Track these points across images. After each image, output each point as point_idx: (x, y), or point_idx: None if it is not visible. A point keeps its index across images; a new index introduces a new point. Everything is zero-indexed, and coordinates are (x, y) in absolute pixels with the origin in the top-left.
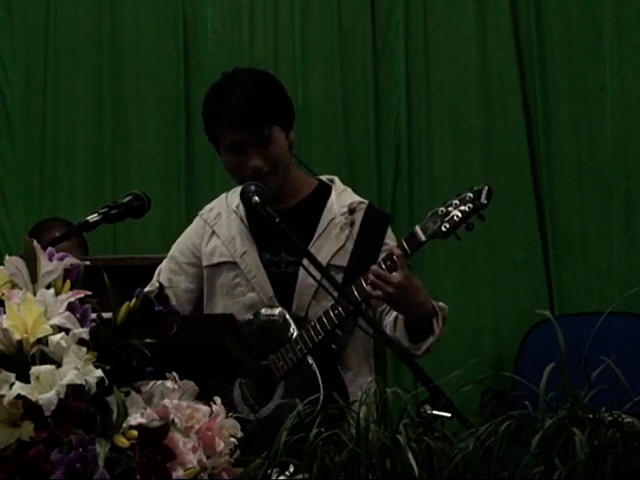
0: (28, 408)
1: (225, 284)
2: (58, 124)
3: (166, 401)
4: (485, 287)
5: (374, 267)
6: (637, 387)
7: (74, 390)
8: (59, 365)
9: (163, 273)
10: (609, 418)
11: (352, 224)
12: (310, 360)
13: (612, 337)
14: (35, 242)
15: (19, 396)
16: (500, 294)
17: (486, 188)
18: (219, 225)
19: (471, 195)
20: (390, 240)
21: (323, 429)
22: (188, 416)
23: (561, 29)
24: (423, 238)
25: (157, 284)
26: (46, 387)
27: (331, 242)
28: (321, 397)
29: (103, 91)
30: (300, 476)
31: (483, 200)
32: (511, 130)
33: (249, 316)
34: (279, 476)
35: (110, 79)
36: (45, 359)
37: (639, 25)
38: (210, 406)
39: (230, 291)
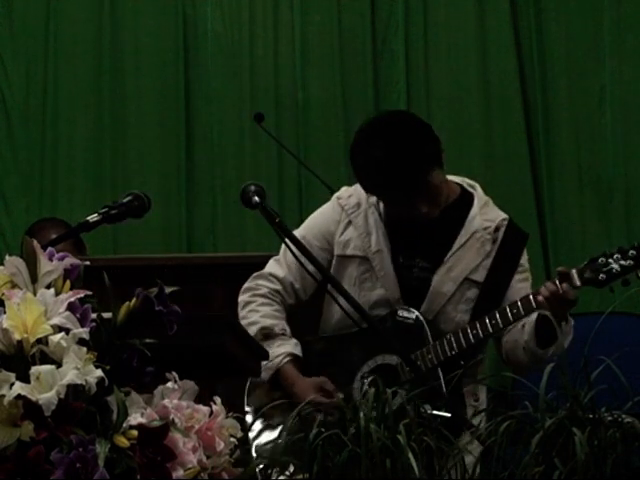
0: (28, 408)
1: (354, 276)
2: (58, 124)
3: (166, 401)
4: None
5: (552, 286)
6: (637, 387)
7: (74, 390)
8: (59, 365)
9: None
10: (609, 418)
11: (494, 242)
12: (439, 371)
13: (612, 337)
14: (35, 242)
15: (19, 396)
16: None
17: None
18: (357, 216)
19: (634, 252)
20: (524, 260)
21: (323, 429)
22: (188, 416)
23: (561, 29)
24: (578, 283)
25: (283, 260)
26: (46, 387)
27: (471, 256)
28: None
29: (103, 91)
30: (300, 476)
31: None
32: (511, 130)
33: (380, 312)
34: (279, 476)
35: (110, 79)
36: (45, 359)
37: (639, 25)
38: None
39: (358, 283)
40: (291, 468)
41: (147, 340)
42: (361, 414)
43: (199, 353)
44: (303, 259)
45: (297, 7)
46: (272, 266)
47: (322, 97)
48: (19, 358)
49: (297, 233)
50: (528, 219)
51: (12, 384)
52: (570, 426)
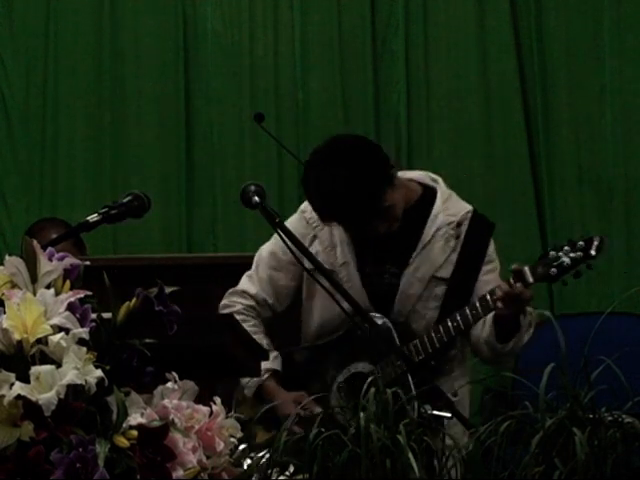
0: (28, 408)
1: (325, 288)
2: (58, 124)
3: (166, 401)
4: None
5: (506, 287)
6: (637, 387)
7: (74, 390)
8: (59, 365)
9: (263, 267)
10: (609, 418)
11: (458, 236)
12: (409, 377)
13: (612, 337)
14: (35, 242)
15: (19, 396)
16: None
17: (598, 239)
18: (321, 229)
19: (582, 244)
20: (491, 251)
21: (323, 429)
22: (188, 416)
23: (561, 29)
24: (531, 280)
25: (255, 277)
26: (46, 387)
27: (436, 254)
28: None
29: (103, 91)
30: (300, 476)
31: (592, 251)
32: (511, 130)
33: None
34: (279, 476)
35: (110, 79)
36: (45, 359)
37: (639, 25)
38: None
39: (329, 296)
40: (291, 468)
41: (147, 340)
42: (361, 414)
43: (199, 353)
44: (305, 260)
45: (297, 7)
46: (245, 283)
47: (322, 97)
48: (19, 358)
49: (266, 248)
50: (528, 219)
51: (12, 384)
52: (570, 426)
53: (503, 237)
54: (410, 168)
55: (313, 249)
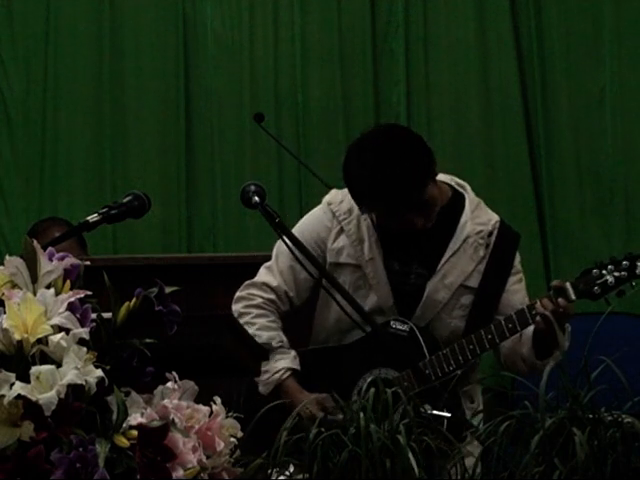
0: (28, 408)
1: (348, 282)
2: (58, 124)
3: (166, 401)
4: None
5: (548, 303)
6: (637, 387)
7: (74, 390)
8: (59, 365)
9: (283, 259)
10: (609, 418)
11: (487, 246)
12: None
13: (612, 337)
14: (35, 242)
15: (19, 396)
16: None
17: None
18: (348, 223)
19: (627, 263)
20: (517, 262)
21: (323, 429)
22: (188, 416)
23: (561, 29)
24: (573, 297)
25: (275, 268)
26: (46, 387)
27: (465, 262)
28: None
29: (103, 91)
30: (300, 476)
31: (638, 271)
32: (511, 130)
33: (374, 319)
34: (279, 476)
35: (110, 79)
36: (45, 359)
37: (639, 25)
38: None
39: (352, 291)
40: (291, 468)
41: (147, 340)
42: (361, 414)
43: (199, 353)
44: (304, 259)
45: (297, 7)
46: (264, 275)
47: (322, 97)
48: (19, 358)
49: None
50: (528, 219)
51: (12, 384)
52: (570, 426)
53: None
54: None
55: (339, 243)
